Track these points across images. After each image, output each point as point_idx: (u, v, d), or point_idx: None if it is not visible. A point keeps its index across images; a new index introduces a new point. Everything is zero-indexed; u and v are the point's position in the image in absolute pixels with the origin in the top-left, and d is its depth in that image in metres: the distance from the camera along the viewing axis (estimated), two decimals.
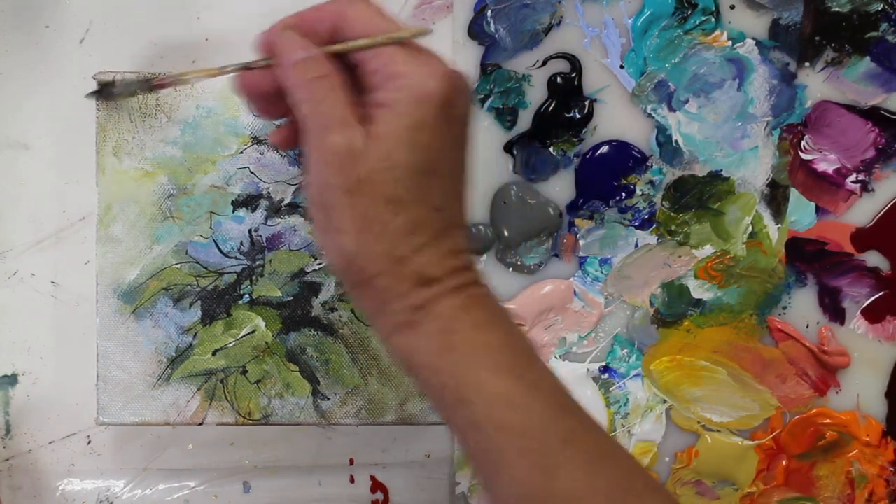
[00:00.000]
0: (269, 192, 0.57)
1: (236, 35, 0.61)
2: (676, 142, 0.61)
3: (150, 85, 0.50)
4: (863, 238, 0.61)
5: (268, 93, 0.45)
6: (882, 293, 0.61)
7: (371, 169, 0.41)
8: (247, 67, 0.45)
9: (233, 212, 0.57)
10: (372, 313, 0.44)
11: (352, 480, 0.61)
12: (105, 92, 0.53)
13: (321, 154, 0.42)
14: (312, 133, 0.42)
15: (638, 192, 0.61)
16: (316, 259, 0.57)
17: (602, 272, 0.61)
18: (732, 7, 0.61)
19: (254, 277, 0.57)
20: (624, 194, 0.61)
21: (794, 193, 0.61)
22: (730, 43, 0.60)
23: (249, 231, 0.57)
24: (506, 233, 0.60)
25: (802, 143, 0.61)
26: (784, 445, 0.61)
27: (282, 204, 0.57)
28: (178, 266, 0.56)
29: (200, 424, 0.56)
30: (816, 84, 0.61)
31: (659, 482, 0.60)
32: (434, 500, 0.61)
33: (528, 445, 0.41)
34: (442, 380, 0.42)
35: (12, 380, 0.61)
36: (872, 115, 0.61)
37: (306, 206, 0.57)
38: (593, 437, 0.43)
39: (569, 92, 0.61)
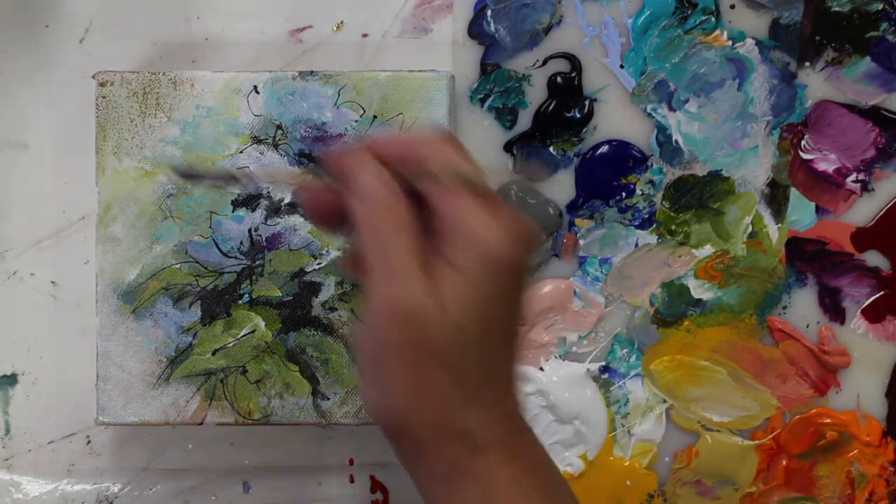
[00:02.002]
0: (268, 192, 0.57)
1: (236, 35, 0.61)
2: (676, 141, 0.61)
3: (231, 178, 0.47)
4: (863, 238, 0.61)
5: (330, 211, 0.42)
6: (882, 293, 0.61)
7: (440, 339, 0.39)
8: (318, 177, 0.42)
9: (233, 212, 0.57)
10: (406, 463, 0.42)
11: (352, 480, 0.61)
12: (190, 178, 0.51)
13: (383, 305, 0.39)
14: (376, 277, 0.39)
15: (638, 191, 0.61)
16: (316, 259, 0.57)
17: (602, 272, 0.61)
18: (732, 7, 0.60)
19: (254, 277, 0.57)
20: (624, 194, 0.61)
21: (795, 193, 0.61)
22: (730, 42, 0.60)
23: (249, 231, 0.57)
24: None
25: (802, 142, 0.61)
26: (784, 445, 0.61)
27: (282, 204, 0.57)
28: (178, 266, 0.56)
29: (200, 424, 0.56)
30: (817, 84, 0.61)
31: None
32: None
33: None
34: None
35: (12, 380, 0.61)
36: (873, 114, 0.61)
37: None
38: None
39: (569, 92, 0.61)
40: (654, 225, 0.61)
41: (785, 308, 0.61)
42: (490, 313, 0.39)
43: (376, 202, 0.40)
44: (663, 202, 0.61)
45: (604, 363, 0.61)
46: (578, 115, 0.61)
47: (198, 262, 0.57)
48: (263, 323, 0.57)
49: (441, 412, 0.40)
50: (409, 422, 0.40)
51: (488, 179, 0.40)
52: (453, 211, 0.39)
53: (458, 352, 0.39)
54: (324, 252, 0.57)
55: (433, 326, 0.38)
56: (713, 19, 0.60)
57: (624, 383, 0.61)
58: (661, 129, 0.61)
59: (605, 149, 0.61)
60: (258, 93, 0.56)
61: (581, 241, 0.61)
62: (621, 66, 0.61)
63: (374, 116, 0.57)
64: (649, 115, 0.61)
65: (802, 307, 0.61)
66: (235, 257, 0.57)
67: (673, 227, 0.61)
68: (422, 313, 0.38)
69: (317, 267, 0.57)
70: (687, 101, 0.61)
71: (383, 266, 0.39)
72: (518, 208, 0.60)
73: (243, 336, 0.57)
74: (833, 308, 0.61)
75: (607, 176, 0.61)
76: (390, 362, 0.39)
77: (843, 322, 0.61)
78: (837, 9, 0.60)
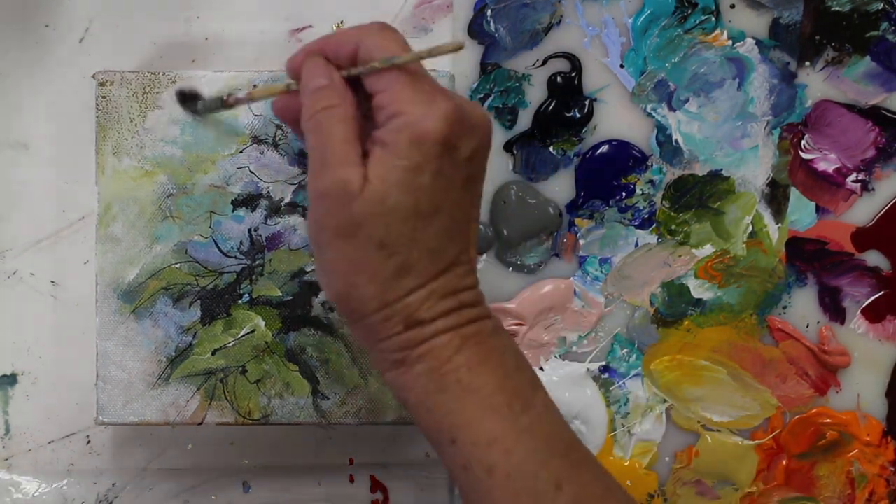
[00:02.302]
0: (268, 192, 0.57)
1: (236, 35, 0.61)
2: (676, 141, 0.61)
3: (223, 103, 0.52)
4: (863, 237, 0.61)
5: (296, 113, 0.45)
6: (882, 293, 0.61)
7: (363, 212, 0.41)
8: (287, 89, 0.46)
9: (232, 211, 0.57)
10: (367, 347, 0.44)
11: (352, 480, 0.61)
12: (189, 105, 0.54)
13: (316, 192, 0.42)
14: (312, 167, 0.42)
15: (638, 191, 0.61)
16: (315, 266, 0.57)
17: (602, 272, 0.61)
18: (732, 6, 0.60)
19: (254, 277, 0.57)
20: (624, 194, 0.61)
21: (795, 193, 0.61)
22: (730, 42, 0.60)
23: (249, 231, 0.57)
24: (506, 232, 0.60)
25: (803, 142, 0.61)
26: (784, 445, 0.61)
27: (282, 203, 0.57)
28: (178, 266, 0.56)
29: (200, 424, 0.56)
30: (817, 83, 0.61)
31: None
32: (434, 500, 0.61)
33: (518, 489, 0.41)
34: (434, 420, 0.42)
35: (12, 380, 0.61)
36: (873, 114, 0.61)
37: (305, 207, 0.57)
38: (588, 480, 0.42)
39: (569, 91, 0.61)
40: (654, 225, 0.61)
41: (785, 308, 0.61)
42: (417, 185, 0.41)
43: (319, 98, 0.42)
44: (663, 202, 0.61)
45: (604, 363, 0.61)
46: (578, 115, 0.61)
47: (198, 262, 0.57)
48: (263, 323, 0.57)
49: (377, 287, 0.42)
50: (350, 299, 0.42)
51: (409, 55, 0.42)
52: (385, 93, 0.42)
53: (384, 223, 0.41)
54: None
55: (362, 204, 0.40)
56: (713, 19, 0.60)
57: (624, 383, 0.61)
58: (661, 129, 0.61)
59: (605, 148, 0.61)
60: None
61: (581, 241, 0.61)
62: (621, 66, 0.61)
63: None
64: (649, 114, 0.61)
65: (802, 307, 0.61)
66: (235, 257, 0.57)
67: (673, 227, 0.61)
68: (352, 193, 0.41)
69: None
70: (687, 100, 0.61)
71: (320, 156, 0.42)
72: (518, 207, 0.60)
73: (243, 336, 0.57)
74: (833, 308, 0.61)
75: (607, 176, 0.61)
76: (327, 244, 0.42)
77: (843, 322, 0.61)
78: (837, 8, 0.60)
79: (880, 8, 0.60)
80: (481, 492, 0.41)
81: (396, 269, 0.41)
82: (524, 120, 0.61)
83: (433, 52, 0.43)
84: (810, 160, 0.61)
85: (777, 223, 0.61)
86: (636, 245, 0.61)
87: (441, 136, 0.41)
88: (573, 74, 0.61)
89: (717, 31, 0.60)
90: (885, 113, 0.61)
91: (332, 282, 0.42)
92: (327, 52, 0.44)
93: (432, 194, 0.41)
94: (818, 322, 0.61)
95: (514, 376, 0.43)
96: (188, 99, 0.55)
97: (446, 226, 0.42)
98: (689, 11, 0.60)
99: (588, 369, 0.61)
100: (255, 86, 0.55)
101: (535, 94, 0.61)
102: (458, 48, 0.43)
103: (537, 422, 0.42)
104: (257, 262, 0.57)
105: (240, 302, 0.57)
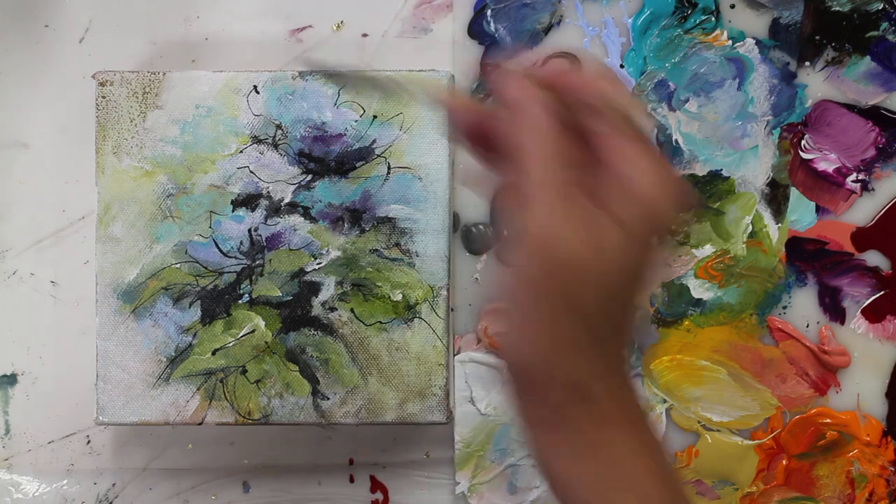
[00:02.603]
0: (268, 192, 0.57)
1: (236, 35, 0.61)
2: (676, 141, 0.61)
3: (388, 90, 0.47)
4: (863, 237, 0.61)
5: (480, 133, 0.40)
6: (882, 293, 0.61)
7: (587, 291, 0.37)
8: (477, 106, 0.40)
9: (232, 211, 0.57)
10: (524, 409, 0.40)
11: (352, 480, 0.61)
12: (336, 79, 0.50)
13: (539, 243, 0.37)
14: (536, 211, 0.37)
15: None
16: (315, 259, 0.57)
17: None
18: (732, 6, 0.60)
19: (253, 277, 0.57)
20: None
21: (795, 193, 0.61)
22: (730, 42, 0.60)
23: (249, 230, 0.57)
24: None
25: (802, 142, 0.61)
26: (784, 445, 0.61)
27: (281, 203, 0.57)
28: (178, 265, 0.56)
29: (200, 424, 0.56)
30: (817, 83, 0.61)
31: None
32: (434, 500, 0.61)
33: None
34: (579, 493, 0.39)
35: (11, 379, 0.61)
36: (873, 114, 0.61)
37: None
38: None
39: None
40: None
41: (785, 308, 0.61)
42: (637, 270, 0.38)
43: (545, 135, 0.37)
44: None
45: None
46: None
47: (198, 262, 0.57)
48: (263, 323, 0.57)
49: (569, 366, 0.38)
50: (539, 373, 0.38)
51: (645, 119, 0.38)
52: (620, 158, 0.37)
53: (601, 307, 0.37)
54: (324, 252, 0.57)
55: (587, 279, 0.37)
56: (713, 19, 0.60)
57: None
58: (661, 129, 0.61)
59: None
60: (258, 92, 0.56)
61: None
62: (621, 66, 0.61)
63: (374, 116, 0.56)
64: (649, 114, 0.61)
65: (802, 307, 0.61)
66: (235, 257, 0.57)
67: (673, 227, 0.61)
68: (578, 262, 0.37)
69: (317, 267, 0.57)
70: (687, 100, 0.61)
71: (544, 199, 0.37)
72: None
73: (243, 336, 0.57)
74: (833, 308, 0.61)
75: None
76: (534, 309, 0.38)
77: (843, 322, 0.61)
78: (837, 8, 0.60)
79: (880, 8, 0.60)
80: None
81: (591, 343, 0.38)
82: None
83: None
84: (810, 160, 0.61)
85: (777, 223, 0.61)
86: None
87: (672, 222, 0.38)
88: None
89: (717, 31, 0.60)
90: (885, 113, 0.61)
91: (526, 348, 0.39)
92: (546, 85, 0.39)
93: (645, 279, 0.39)
94: (818, 322, 0.61)
95: (669, 466, 0.41)
96: (336, 76, 0.50)
97: (637, 303, 0.39)
98: (689, 11, 0.60)
99: None
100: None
101: None
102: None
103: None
104: (257, 262, 0.57)
105: (240, 302, 0.57)
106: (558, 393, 0.38)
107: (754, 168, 0.61)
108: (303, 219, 0.57)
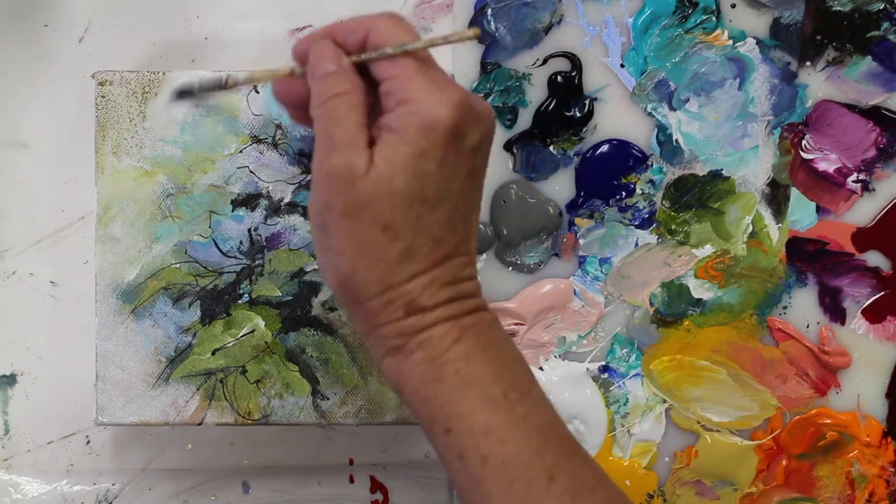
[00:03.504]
0: (268, 192, 0.57)
1: (236, 34, 0.61)
2: (677, 141, 0.61)
3: (223, 85, 0.50)
4: (863, 238, 0.61)
5: (303, 101, 0.45)
6: (883, 293, 0.61)
7: (369, 194, 0.41)
8: (292, 73, 0.46)
9: (232, 211, 0.57)
10: (364, 334, 0.44)
11: (351, 480, 0.61)
12: (185, 96, 0.53)
13: (323, 173, 0.42)
14: (319, 151, 0.42)
15: (638, 191, 0.61)
16: (315, 259, 0.57)
17: (602, 271, 0.61)
18: (733, 6, 0.60)
19: (253, 277, 0.57)
20: (624, 193, 0.61)
21: (795, 193, 0.61)
22: (731, 42, 0.60)
23: (249, 230, 0.57)
24: (505, 232, 0.60)
25: (803, 142, 0.61)
26: (784, 445, 0.61)
27: (281, 203, 0.57)
28: (178, 265, 0.56)
29: (200, 424, 0.56)
30: (817, 83, 0.61)
31: None
32: (434, 500, 0.61)
33: (512, 479, 0.42)
34: (430, 409, 0.43)
35: (11, 380, 0.61)
36: (873, 114, 0.61)
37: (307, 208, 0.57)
38: (581, 471, 0.43)
39: (569, 91, 0.60)
40: (654, 224, 0.61)
41: (785, 308, 0.61)
42: (423, 171, 0.41)
43: (329, 85, 0.43)
44: (663, 202, 0.61)
45: (603, 363, 0.61)
46: (579, 115, 0.60)
47: (197, 262, 0.56)
48: (263, 323, 0.57)
49: (381, 271, 0.42)
50: (353, 281, 0.42)
51: (421, 41, 0.43)
52: (395, 80, 0.42)
53: (389, 206, 0.41)
54: None
55: (368, 186, 0.41)
56: (714, 18, 0.60)
57: (623, 383, 0.61)
58: (662, 129, 0.61)
59: (605, 148, 0.61)
60: (258, 92, 0.56)
61: (581, 241, 0.61)
62: (622, 66, 0.60)
63: None
64: (650, 114, 0.61)
65: (802, 307, 0.61)
66: (235, 257, 0.57)
67: (673, 227, 0.61)
68: (357, 175, 0.41)
69: (316, 266, 0.57)
70: (687, 100, 0.61)
71: (328, 140, 0.42)
72: (518, 207, 0.60)
73: (243, 336, 0.57)
74: (833, 308, 0.61)
75: (607, 175, 0.61)
76: (332, 225, 0.42)
77: (843, 322, 0.61)
78: (838, 8, 0.60)
79: (881, 8, 0.60)
80: (475, 481, 0.42)
81: (400, 253, 0.42)
82: (524, 119, 0.60)
83: (448, 39, 0.43)
84: (811, 160, 0.61)
85: (777, 223, 0.61)
86: (636, 245, 0.61)
87: (450, 124, 0.41)
88: (573, 74, 0.60)
89: (718, 31, 0.60)
90: (886, 113, 0.61)
91: (337, 263, 0.43)
92: (336, 38, 0.44)
93: (437, 182, 0.42)
94: (818, 322, 0.61)
95: (512, 367, 0.44)
96: (184, 92, 0.54)
97: (449, 214, 0.43)
98: (690, 11, 0.60)
99: (588, 369, 0.61)
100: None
101: (536, 93, 0.60)
102: (475, 36, 0.43)
103: (533, 413, 0.43)
104: (257, 262, 0.57)
105: (240, 302, 0.57)
106: (388, 308, 0.43)
107: (755, 168, 0.61)
108: (303, 219, 0.57)
